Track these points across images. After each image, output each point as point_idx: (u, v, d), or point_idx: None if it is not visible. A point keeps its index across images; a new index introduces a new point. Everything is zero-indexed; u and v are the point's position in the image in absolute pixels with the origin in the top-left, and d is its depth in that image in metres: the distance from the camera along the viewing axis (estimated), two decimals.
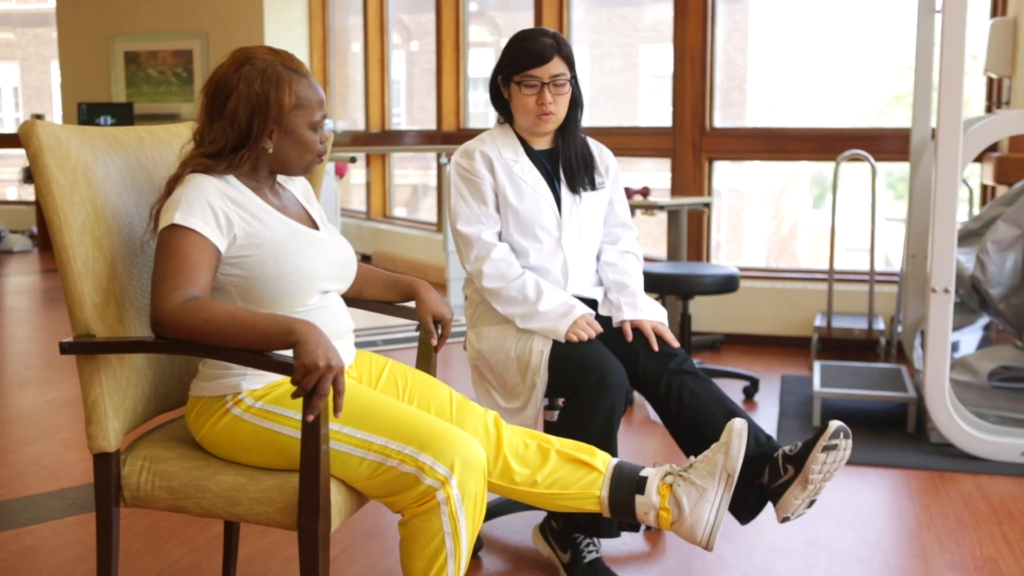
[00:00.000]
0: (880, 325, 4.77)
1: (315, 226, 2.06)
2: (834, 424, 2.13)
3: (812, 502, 2.20)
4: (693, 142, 5.40)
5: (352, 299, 2.24)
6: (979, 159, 4.67)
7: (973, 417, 3.41)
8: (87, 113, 8.14)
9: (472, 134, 3.25)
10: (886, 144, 5.03)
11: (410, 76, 9.32)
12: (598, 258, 2.66)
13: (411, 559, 1.85)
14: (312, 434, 1.72)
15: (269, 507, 1.83)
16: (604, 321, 2.53)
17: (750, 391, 4.15)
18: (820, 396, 3.74)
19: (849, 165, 4.92)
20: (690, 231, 5.33)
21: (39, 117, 9.34)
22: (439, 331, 2.24)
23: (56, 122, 2.02)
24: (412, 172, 10.55)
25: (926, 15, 4.18)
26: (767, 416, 3.88)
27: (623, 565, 2.52)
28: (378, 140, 7.97)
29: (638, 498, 2.09)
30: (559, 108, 2.51)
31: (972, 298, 3.76)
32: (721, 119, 5.54)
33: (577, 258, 2.57)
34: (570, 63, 2.50)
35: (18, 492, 3.01)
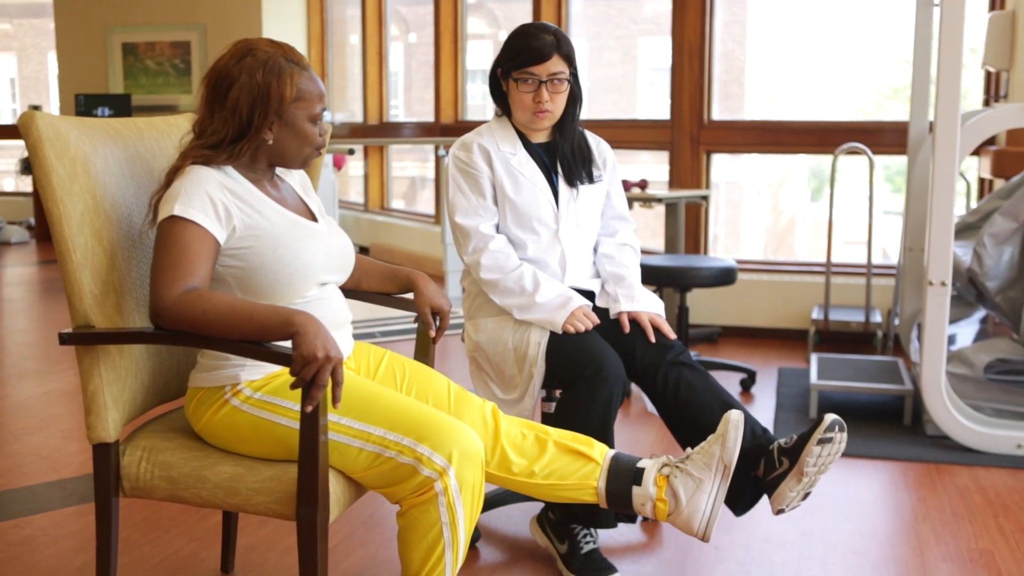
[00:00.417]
0: (877, 318, 4.78)
1: (313, 218, 2.06)
2: (829, 417, 2.14)
3: (807, 494, 2.21)
4: (691, 135, 5.40)
5: (351, 291, 2.24)
6: (977, 152, 4.68)
7: (969, 410, 3.42)
8: (84, 104, 8.13)
9: (470, 126, 3.26)
10: (884, 137, 5.03)
11: (408, 68, 9.31)
12: (595, 250, 2.67)
13: (409, 549, 1.86)
14: (311, 425, 1.73)
15: (268, 497, 1.84)
16: (601, 313, 2.53)
17: (747, 383, 4.17)
18: (817, 388, 3.75)
19: (847, 158, 4.93)
20: (688, 224, 5.34)
21: (36, 108, 9.33)
22: (437, 323, 2.25)
23: (54, 113, 2.02)
24: (410, 164, 10.55)
25: (924, 8, 4.18)
26: (764, 408, 3.89)
27: (620, 556, 2.53)
28: (376, 132, 7.96)
29: (635, 489, 2.10)
30: (556, 106, 2.51)
31: (969, 291, 3.77)
32: (719, 112, 5.53)
33: (575, 250, 2.58)
34: (570, 60, 2.50)
35: (17, 483, 3.01)
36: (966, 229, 3.95)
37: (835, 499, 2.93)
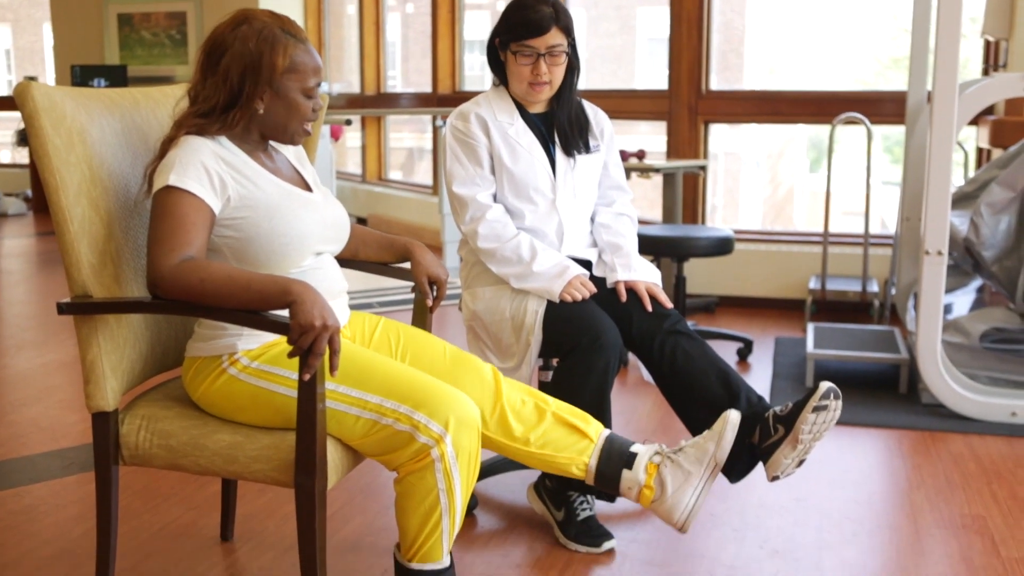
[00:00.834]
0: (874, 288, 4.79)
1: (308, 188, 2.07)
2: (824, 385, 2.15)
3: (801, 462, 2.23)
4: (689, 105, 5.39)
5: (347, 260, 2.25)
6: (975, 122, 4.66)
7: (964, 378, 3.44)
8: (80, 75, 8.08)
9: (468, 96, 3.25)
10: (882, 107, 5.02)
11: (405, 38, 9.27)
12: (593, 220, 2.67)
13: (406, 516, 1.88)
14: (308, 393, 1.74)
15: (266, 465, 1.85)
16: (598, 282, 2.54)
17: (744, 352, 4.18)
18: (813, 357, 3.77)
19: (845, 128, 4.92)
20: (685, 194, 5.33)
21: (32, 79, 9.25)
22: (435, 292, 2.26)
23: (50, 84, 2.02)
24: (407, 135, 10.52)
25: None
26: (760, 377, 3.91)
27: (616, 523, 2.55)
28: (373, 103, 7.93)
29: (625, 473, 2.13)
30: (554, 77, 2.51)
31: (965, 260, 3.78)
32: (718, 82, 5.51)
33: (572, 220, 2.58)
34: (568, 31, 2.49)
35: (16, 452, 3.03)
36: (963, 199, 3.95)
37: (830, 466, 2.96)
